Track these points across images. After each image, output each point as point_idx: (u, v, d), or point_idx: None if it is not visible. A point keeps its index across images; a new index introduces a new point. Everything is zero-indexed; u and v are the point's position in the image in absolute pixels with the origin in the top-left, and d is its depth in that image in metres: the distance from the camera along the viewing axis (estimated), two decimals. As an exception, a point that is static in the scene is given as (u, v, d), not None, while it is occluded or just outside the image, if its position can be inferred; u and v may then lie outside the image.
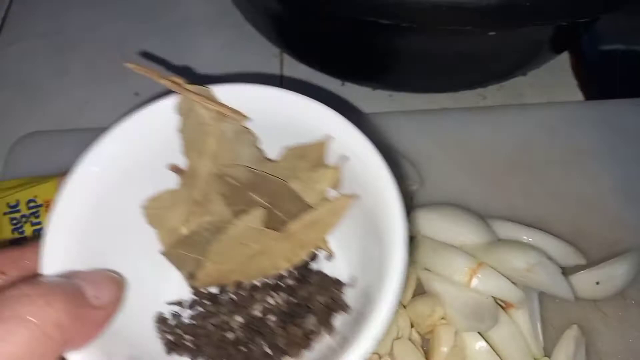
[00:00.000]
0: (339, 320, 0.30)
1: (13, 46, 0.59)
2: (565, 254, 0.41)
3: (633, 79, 0.54)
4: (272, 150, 0.31)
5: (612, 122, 0.50)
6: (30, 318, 0.21)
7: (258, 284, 0.32)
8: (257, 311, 0.31)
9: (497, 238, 0.41)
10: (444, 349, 0.37)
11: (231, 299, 0.31)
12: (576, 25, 0.50)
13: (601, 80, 0.54)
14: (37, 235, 0.46)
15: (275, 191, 0.30)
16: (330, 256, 0.32)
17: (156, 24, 0.60)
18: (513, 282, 0.38)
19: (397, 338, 0.38)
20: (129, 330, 0.28)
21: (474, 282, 0.38)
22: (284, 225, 0.30)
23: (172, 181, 0.31)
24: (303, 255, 0.31)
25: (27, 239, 0.45)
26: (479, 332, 0.38)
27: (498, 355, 0.38)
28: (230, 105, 0.29)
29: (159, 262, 0.31)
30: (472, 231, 0.41)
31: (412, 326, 0.39)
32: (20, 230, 0.46)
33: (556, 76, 0.54)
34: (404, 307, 0.39)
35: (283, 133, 0.30)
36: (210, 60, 0.56)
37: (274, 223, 0.30)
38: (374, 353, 0.38)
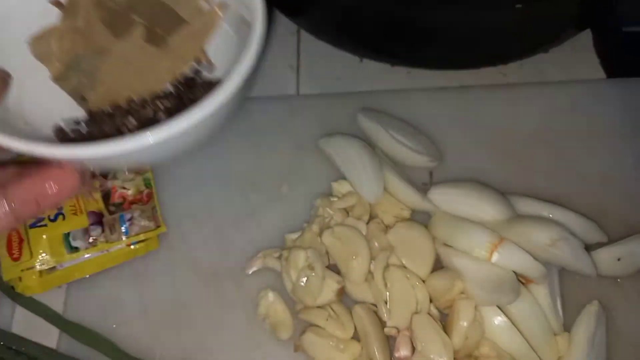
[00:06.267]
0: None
1: None
2: (587, 230, 0.41)
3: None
4: None
5: (634, 100, 0.49)
6: None
7: (147, 97, 0.35)
8: (149, 113, 0.34)
9: (517, 214, 0.41)
10: (464, 324, 0.37)
11: (125, 109, 0.35)
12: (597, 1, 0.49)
13: (624, 61, 0.53)
14: None
15: (153, 10, 0.34)
16: (210, 67, 0.35)
17: None
18: (534, 258, 0.38)
19: (416, 312, 0.38)
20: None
21: (495, 256, 0.38)
22: (164, 42, 0.34)
23: (56, 17, 0.34)
24: (185, 68, 0.35)
25: None
26: (498, 307, 0.38)
27: (518, 330, 0.37)
28: None
29: (54, 91, 0.34)
30: (491, 206, 0.41)
31: (430, 301, 0.39)
32: None
33: (578, 54, 0.53)
34: (423, 281, 0.39)
35: None
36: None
37: (155, 40, 0.34)
38: (392, 327, 0.38)
